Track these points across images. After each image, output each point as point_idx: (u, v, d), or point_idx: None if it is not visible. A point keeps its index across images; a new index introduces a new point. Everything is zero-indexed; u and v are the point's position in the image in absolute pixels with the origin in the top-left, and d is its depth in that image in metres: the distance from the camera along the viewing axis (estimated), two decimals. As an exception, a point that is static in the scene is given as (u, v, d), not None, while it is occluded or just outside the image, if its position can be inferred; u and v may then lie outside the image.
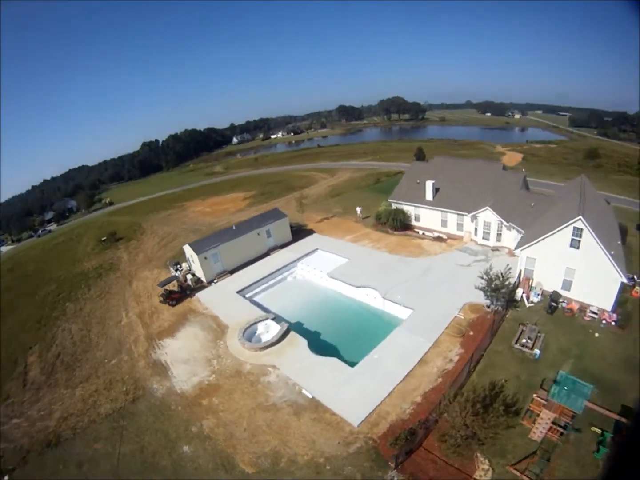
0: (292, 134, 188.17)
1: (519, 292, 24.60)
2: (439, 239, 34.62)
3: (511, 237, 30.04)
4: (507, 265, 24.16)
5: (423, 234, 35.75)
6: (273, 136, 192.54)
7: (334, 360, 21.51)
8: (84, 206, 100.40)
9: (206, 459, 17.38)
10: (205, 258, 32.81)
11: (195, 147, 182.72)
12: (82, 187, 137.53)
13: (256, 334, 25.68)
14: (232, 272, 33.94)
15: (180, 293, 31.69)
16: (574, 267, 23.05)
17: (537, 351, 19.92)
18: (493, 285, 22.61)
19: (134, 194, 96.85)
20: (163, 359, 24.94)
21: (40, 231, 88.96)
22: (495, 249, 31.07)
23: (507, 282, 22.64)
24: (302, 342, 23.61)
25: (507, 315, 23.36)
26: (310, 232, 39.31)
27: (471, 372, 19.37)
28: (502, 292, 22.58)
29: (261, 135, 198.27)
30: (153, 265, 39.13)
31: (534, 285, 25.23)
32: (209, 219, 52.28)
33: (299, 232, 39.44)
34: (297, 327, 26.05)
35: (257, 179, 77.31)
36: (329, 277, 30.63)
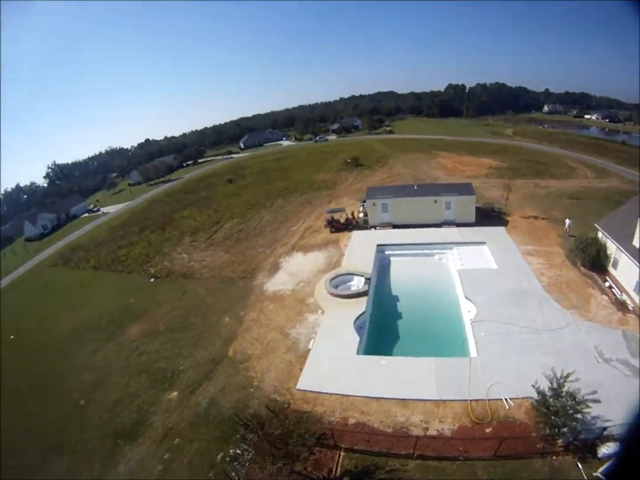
0: (607, 120, 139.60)
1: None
2: (622, 305, 20.49)
3: None
4: None
5: (611, 287, 22.01)
6: (587, 117, 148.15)
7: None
8: (366, 127, 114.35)
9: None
10: (374, 204, 33.71)
11: (502, 102, 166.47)
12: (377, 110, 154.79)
13: (346, 284, 26.03)
14: (395, 226, 33.35)
15: (342, 224, 34.73)
16: None
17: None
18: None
19: (416, 129, 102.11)
20: (282, 265, 29.94)
21: (317, 138, 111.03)
22: None
23: None
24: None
25: None
26: (500, 223, 31.68)
27: None
28: None
29: (574, 112, 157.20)
30: (358, 196, 43.08)
31: None
32: (441, 173, 49.83)
33: (488, 218, 32.46)
34: (386, 304, 24.73)
35: (522, 153, 63.91)
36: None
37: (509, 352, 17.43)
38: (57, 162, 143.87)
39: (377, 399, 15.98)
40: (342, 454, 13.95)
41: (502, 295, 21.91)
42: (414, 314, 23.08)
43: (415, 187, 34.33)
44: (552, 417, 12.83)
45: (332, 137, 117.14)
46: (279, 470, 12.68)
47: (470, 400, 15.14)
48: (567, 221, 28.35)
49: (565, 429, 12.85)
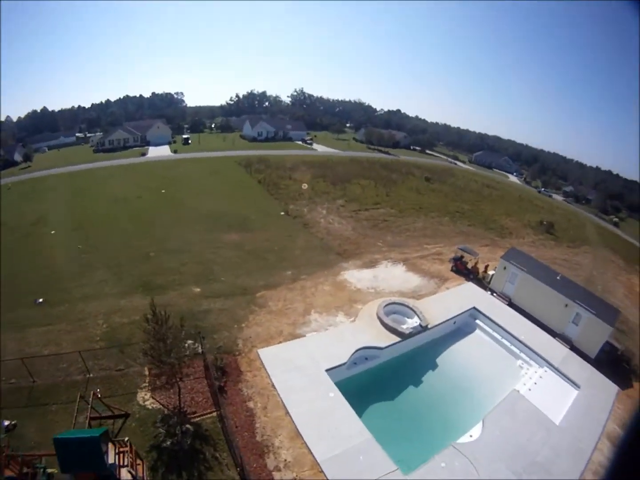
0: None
1: None
2: None
3: None
4: None
5: None
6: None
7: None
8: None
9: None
10: (504, 268, 30.69)
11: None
12: None
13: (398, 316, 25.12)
14: (512, 304, 29.92)
15: (466, 268, 32.90)
16: None
17: None
18: None
19: None
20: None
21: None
22: None
23: None
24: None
25: None
26: (623, 377, 23.64)
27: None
28: None
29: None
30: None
31: None
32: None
33: (608, 362, 24.85)
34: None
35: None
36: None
37: None
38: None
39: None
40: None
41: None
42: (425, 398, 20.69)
43: (558, 277, 29.78)
44: None
45: (558, 196, 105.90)
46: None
47: None
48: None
49: None
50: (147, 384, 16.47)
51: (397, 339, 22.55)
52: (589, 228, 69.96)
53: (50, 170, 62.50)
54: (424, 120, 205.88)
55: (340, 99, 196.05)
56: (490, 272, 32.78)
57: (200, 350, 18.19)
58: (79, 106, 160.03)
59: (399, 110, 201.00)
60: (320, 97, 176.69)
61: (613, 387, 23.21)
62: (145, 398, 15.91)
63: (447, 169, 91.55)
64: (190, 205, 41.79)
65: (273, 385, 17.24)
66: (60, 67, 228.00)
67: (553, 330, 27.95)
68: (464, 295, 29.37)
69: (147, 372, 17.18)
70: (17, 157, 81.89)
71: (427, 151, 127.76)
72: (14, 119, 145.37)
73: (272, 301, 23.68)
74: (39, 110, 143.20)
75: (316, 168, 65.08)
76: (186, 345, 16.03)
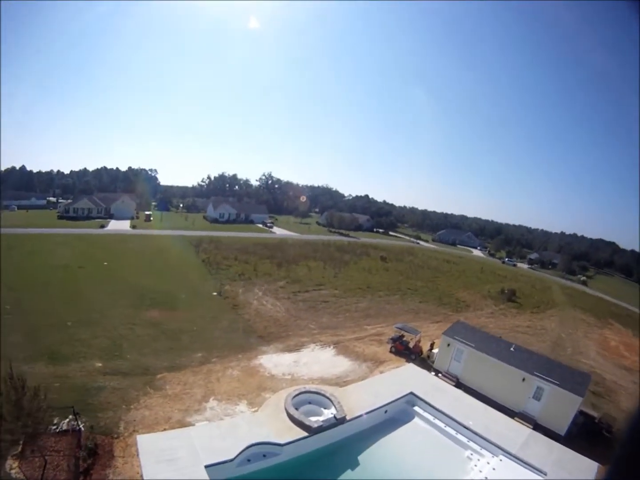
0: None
1: None
2: None
3: None
4: None
5: None
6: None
7: None
8: (562, 268, 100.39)
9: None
10: (448, 345, 26.71)
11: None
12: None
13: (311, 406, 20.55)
14: (459, 384, 25.45)
15: (405, 348, 28.87)
16: None
17: None
18: None
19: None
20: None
21: (507, 259, 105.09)
22: None
23: None
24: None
25: None
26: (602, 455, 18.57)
27: None
28: None
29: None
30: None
31: None
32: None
33: (587, 436, 20.98)
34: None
35: None
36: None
37: None
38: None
39: None
40: None
41: None
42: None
43: (512, 349, 25.70)
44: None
45: (523, 265, 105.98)
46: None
47: None
48: None
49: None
50: (18, 452, 15.21)
51: (305, 433, 18.18)
52: (554, 291, 68.23)
53: (10, 229, 61.67)
54: (391, 204, 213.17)
55: (309, 184, 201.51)
56: (435, 351, 28.57)
57: (78, 428, 16.82)
58: (58, 171, 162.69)
59: (366, 196, 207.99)
60: (289, 181, 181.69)
61: (591, 465, 18.80)
62: (13, 466, 14.72)
63: (407, 249, 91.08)
64: (124, 279, 40.43)
65: (141, 476, 14.84)
66: (46, 128, 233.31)
67: (511, 410, 23.41)
68: (400, 379, 24.93)
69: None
70: (-19, 210, 79.82)
71: (390, 233, 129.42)
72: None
73: (170, 384, 21.29)
74: (17, 168, 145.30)
75: (266, 250, 63.06)
76: (55, 420, 16.31)
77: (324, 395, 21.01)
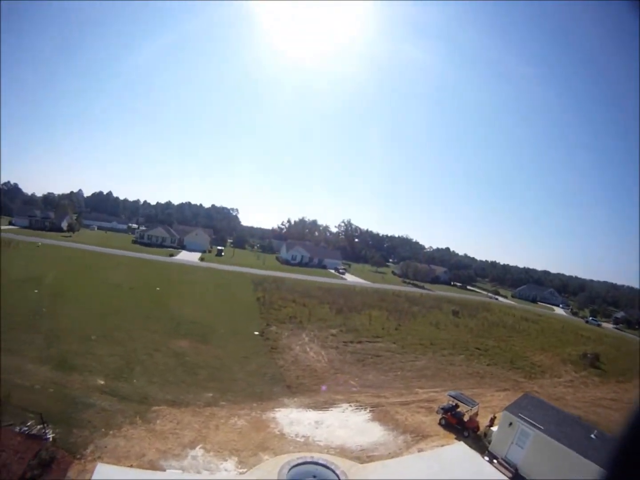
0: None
1: None
2: None
3: None
4: None
5: None
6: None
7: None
8: None
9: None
10: (510, 424, 22.16)
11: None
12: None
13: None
14: (517, 477, 20.78)
15: (460, 422, 24.19)
16: None
17: None
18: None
19: None
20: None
21: (591, 318, 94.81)
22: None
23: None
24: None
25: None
26: None
27: None
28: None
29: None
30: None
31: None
32: None
33: None
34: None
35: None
36: None
37: None
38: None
39: None
40: None
41: None
42: None
43: (593, 435, 20.42)
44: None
45: (609, 324, 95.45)
46: None
47: None
48: None
49: None
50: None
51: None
52: (644, 353, 57.04)
53: (81, 244, 67.16)
54: (472, 258, 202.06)
55: (389, 234, 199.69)
56: (495, 428, 24.29)
57: (46, 436, 16.29)
58: (145, 201, 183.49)
59: (447, 248, 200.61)
60: (369, 230, 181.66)
61: None
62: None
63: (483, 304, 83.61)
64: (167, 305, 41.11)
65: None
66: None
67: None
68: (442, 463, 20.10)
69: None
70: (64, 224, 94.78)
71: (468, 287, 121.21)
72: (85, 194, 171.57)
73: (162, 419, 19.68)
74: (104, 193, 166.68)
75: (329, 295, 60.74)
76: (29, 422, 16.28)
77: (333, 472, 17.27)
